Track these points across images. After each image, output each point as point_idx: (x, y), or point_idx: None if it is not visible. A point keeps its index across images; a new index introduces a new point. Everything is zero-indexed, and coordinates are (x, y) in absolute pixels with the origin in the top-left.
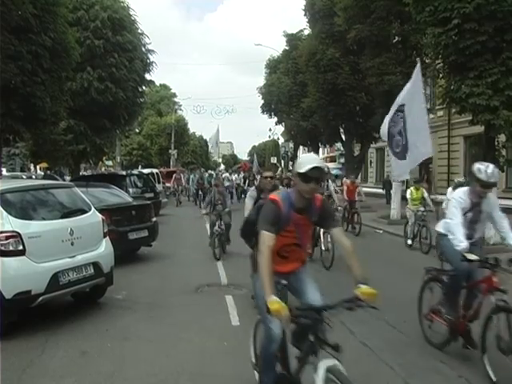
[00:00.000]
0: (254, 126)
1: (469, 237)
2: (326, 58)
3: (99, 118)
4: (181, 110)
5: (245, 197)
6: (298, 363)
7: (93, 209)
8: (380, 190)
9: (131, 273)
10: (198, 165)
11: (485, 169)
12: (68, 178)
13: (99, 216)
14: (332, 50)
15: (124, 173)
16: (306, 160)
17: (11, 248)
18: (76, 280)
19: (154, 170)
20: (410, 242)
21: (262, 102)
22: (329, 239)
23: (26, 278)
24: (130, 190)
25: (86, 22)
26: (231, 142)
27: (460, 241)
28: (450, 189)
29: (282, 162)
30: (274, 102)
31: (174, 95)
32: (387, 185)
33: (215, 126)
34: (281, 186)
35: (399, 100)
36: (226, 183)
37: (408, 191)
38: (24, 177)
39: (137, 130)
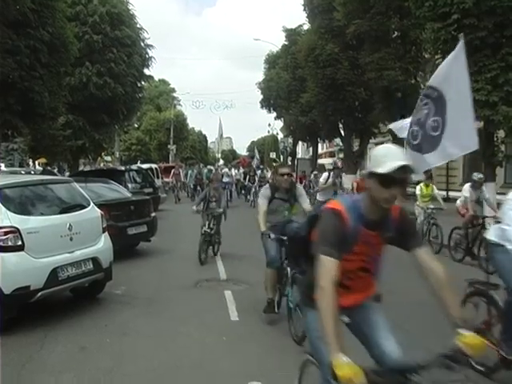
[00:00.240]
0: (253, 122)
1: None
2: (325, 53)
3: (98, 114)
4: (180, 105)
5: (245, 192)
6: None
7: (92, 204)
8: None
9: (130, 268)
10: (196, 160)
11: None
12: (67, 174)
13: (98, 211)
14: (331, 45)
15: (123, 168)
16: (389, 155)
17: (10, 243)
18: (75, 275)
19: (153, 166)
20: None
21: (261, 97)
22: None
23: (25, 274)
24: (129, 185)
25: (84, 17)
26: (230, 138)
27: None
28: (466, 186)
29: (281, 157)
30: (273, 97)
31: (173, 90)
32: None
33: (214, 121)
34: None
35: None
36: (226, 179)
37: (417, 187)
38: (23, 172)
39: (136, 126)
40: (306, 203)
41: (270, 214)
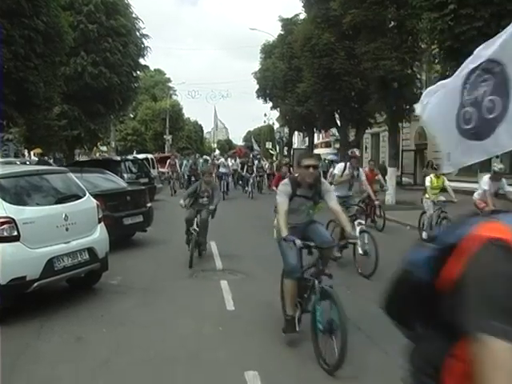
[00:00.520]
0: (249, 111)
1: None
2: (322, 43)
3: (93, 103)
4: (175, 94)
5: (243, 183)
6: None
7: (87, 194)
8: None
9: (126, 258)
10: (192, 150)
11: None
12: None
13: (94, 201)
14: (327, 34)
15: (119, 158)
16: None
17: (5, 234)
18: (71, 265)
19: (149, 156)
20: (426, 235)
21: (257, 87)
22: (366, 240)
23: (21, 264)
24: (125, 175)
25: (79, 6)
26: (226, 128)
27: None
28: (485, 177)
29: (277, 147)
30: (269, 86)
31: (169, 80)
32: (382, 170)
33: (210, 111)
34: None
35: (480, 55)
36: (222, 169)
37: (427, 178)
38: (18, 162)
39: (131, 115)
40: (333, 201)
41: (289, 214)
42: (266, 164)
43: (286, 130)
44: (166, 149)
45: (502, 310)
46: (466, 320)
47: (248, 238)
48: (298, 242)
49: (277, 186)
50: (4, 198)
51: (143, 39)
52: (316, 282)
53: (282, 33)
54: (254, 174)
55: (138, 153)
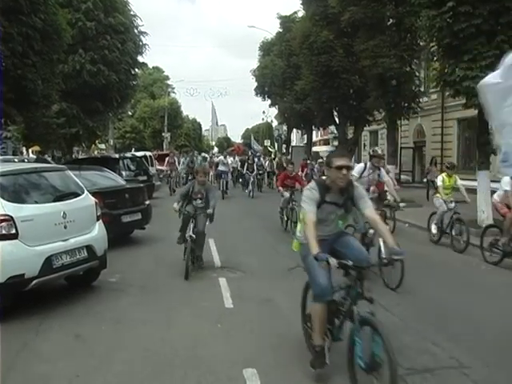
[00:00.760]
0: (248, 109)
1: None
2: (320, 41)
3: (92, 101)
4: (174, 92)
5: (243, 181)
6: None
7: (86, 192)
8: None
9: (125, 256)
10: (191, 147)
11: None
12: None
13: (92, 199)
14: (326, 32)
15: (117, 156)
16: None
17: (4, 232)
18: (69, 263)
19: (147, 153)
20: (435, 228)
21: (256, 84)
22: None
23: (19, 262)
24: (123, 173)
25: (77, 4)
26: (224, 125)
27: None
28: (505, 178)
29: (276, 144)
30: (268, 84)
31: (167, 78)
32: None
33: (208, 108)
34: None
35: None
36: (221, 167)
37: (439, 178)
38: (16, 160)
39: (130, 113)
40: (369, 208)
41: (316, 224)
42: (266, 162)
43: (285, 127)
44: (165, 146)
45: None
46: None
47: (245, 234)
48: (333, 261)
49: (282, 186)
50: (2, 195)
51: (141, 37)
52: (354, 308)
53: (281, 30)
54: (254, 173)
55: (136, 150)
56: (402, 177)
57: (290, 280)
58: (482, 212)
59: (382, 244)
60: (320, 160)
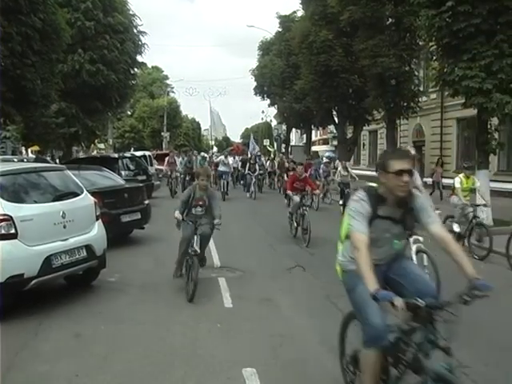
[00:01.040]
0: (247, 109)
1: None
2: (319, 40)
3: (91, 101)
4: (173, 92)
5: (244, 182)
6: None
7: (85, 192)
8: (373, 173)
9: (124, 255)
10: (190, 147)
11: None
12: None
13: (91, 199)
14: (325, 31)
15: (116, 155)
16: None
17: (3, 231)
18: (69, 263)
19: (147, 153)
20: (457, 226)
21: (255, 84)
22: (425, 262)
23: (19, 262)
24: (123, 172)
25: (76, 3)
26: (224, 125)
27: None
28: None
29: (275, 144)
30: (267, 84)
31: (166, 77)
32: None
33: (208, 108)
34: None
35: None
36: (222, 167)
37: (457, 179)
38: (15, 160)
39: (129, 113)
40: (435, 224)
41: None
42: (267, 162)
43: (284, 127)
44: (164, 146)
45: None
46: None
47: (245, 234)
48: (399, 301)
49: (292, 189)
50: (1, 195)
51: (140, 36)
52: (423, 358)
53: (280, 30)
54: (256, 173)
55: (135, 150)
56: None
57: (289, 280)
58: (482, 212)
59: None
60: (326, 159)
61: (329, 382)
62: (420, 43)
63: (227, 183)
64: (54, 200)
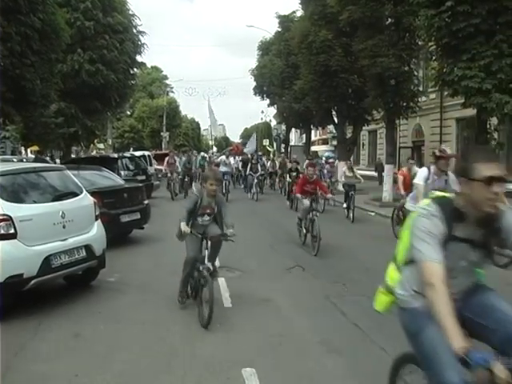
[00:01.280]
0: (247, 108)
1: None
2: (319, 40)
3: (90, 101)
4: (172, 92)
5: (244, 182)
6: None
7: (84, 192)
8: (372, 173)
9: (123, 255)
10: (189, 147)
11: None
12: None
13: (91, 199)
14: (324, 31)
15: (116, 155)
16: None
17: (2, 231)
18: (68, 263)
19: (146, 153)
20: None
21: (255, 84)
22: None
23: (18, 262)
24: (122, 172)
25: (75, 3)
26: (223, 125)
27: None
28: None
29: (275, 144)
30: (267, 84)
31: (166, 77)
32: (379, 167)
33: (207, 106)
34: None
35: None
36: (223, 168)
37: None
38: (15, 160)
39: (128, 113)
40: None
41: None
42: (268, 162)
43: (283, 126)
44: (163, 146)
45: None
46: None
47: (244, 233)
48: (500, 369)
49: (301, 192)
50: (1, 195)
51: (140, 36)
52: None
53: (279, 30)
54: (258, 174)
55: (134, 150)
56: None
57: (289, 280)
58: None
59: None
60: (331, 160)
61: (328, 381)
62: (419, 43)
63: (228, 184)
64: (53, 200)
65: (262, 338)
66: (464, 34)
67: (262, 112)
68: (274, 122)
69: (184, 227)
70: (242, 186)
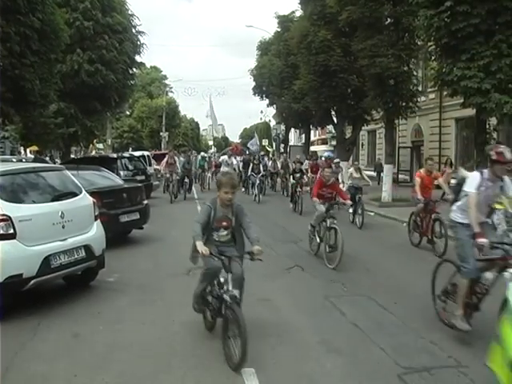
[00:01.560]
0: (246, 108)
1: None
2: (318, 40)
3: (90, 101)
4: (172, 92)
5: (244, 183)
6: None
7: (84, 192)
8: (371, 173)
9: (123, 256)
10: (189, 147)
11: None
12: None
13: (90, 199)
14: (324, 31)
15: (115, 155)
16: None
17: (2, 231)
18: (67, 263)
19: (145, 153)
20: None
21: (254, 84)
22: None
23: (17, 262)
24: (121, 172)
25: (74, 3)
26: (222, 125)
27: None
28: None
29: (274, 144)
30: (266, 84)
31: (165, 77)
32: (378, 167)
33: (206, 108)
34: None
35: None
36: (225, 169)
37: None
38: (14, 160)
39: (128, 113)
40: None
41: None
42: (269, 162)
43: (283, 126)
44: (163, 146)
45: None
46: None
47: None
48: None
49: (318, 196)
50: (0, 195)
51: (139, 36)
52: None
53: (279, 30)
54: (260, 174)
55: (134, 150)
56: (400, 176)
57: (288, 280)
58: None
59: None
60: (336, 160)
61: (328, 381)
62: (419, 43)
63: None
64: (52, 200)
65: (261, 337)
66: (463, 34)
67: (262, 112)
68: (273, 122)
69: (201, 247)
70: (243, 189)
